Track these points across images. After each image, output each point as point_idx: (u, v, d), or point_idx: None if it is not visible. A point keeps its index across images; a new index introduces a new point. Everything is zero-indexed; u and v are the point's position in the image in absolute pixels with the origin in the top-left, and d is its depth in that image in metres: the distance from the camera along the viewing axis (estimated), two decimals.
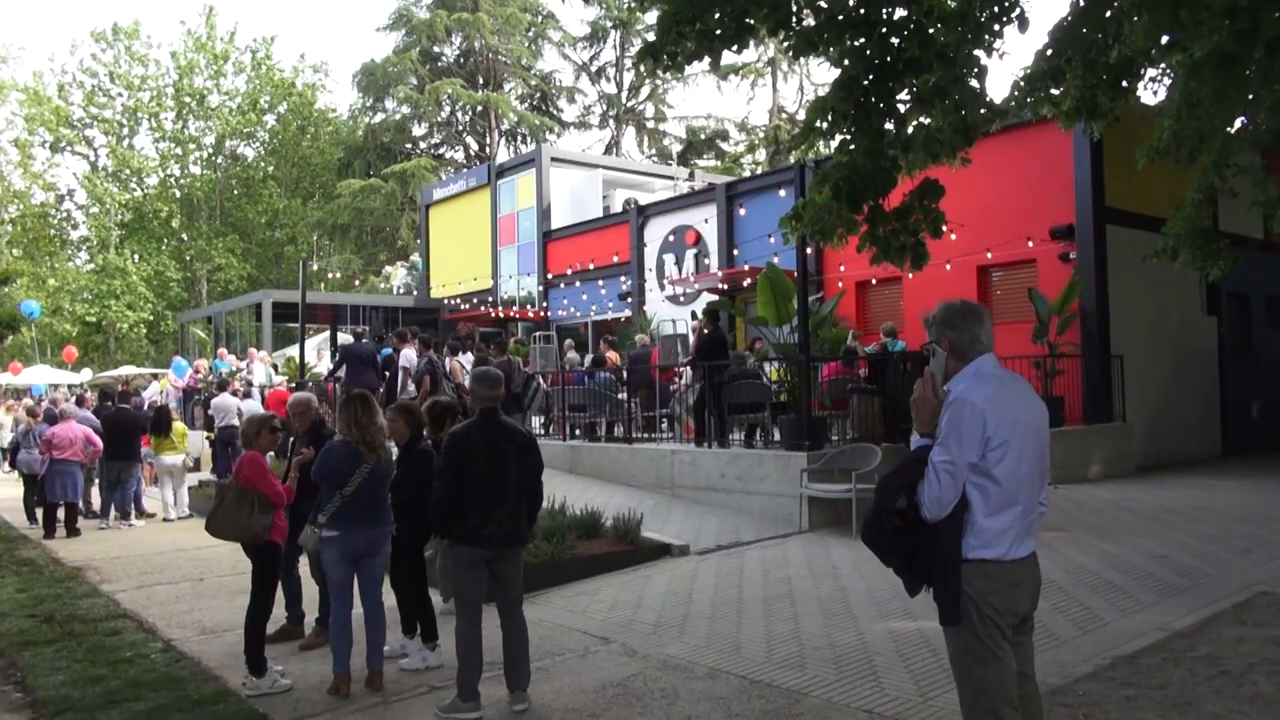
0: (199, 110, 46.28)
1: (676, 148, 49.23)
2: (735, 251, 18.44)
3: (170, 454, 13.24)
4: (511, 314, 24.65)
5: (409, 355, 12.99)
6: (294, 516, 6.00)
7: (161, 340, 46.39)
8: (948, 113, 6.80)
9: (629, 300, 22.44)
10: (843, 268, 17.36)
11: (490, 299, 26.19)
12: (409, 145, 47.31)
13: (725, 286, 18.53)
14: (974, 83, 6.69)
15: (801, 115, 44.87)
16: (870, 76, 6.31)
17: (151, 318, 41.36)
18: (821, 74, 60.33)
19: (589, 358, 15.74)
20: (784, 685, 5.29)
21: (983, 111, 6.91)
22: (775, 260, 15.46)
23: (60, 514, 12.05)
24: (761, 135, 45.37)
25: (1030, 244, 14.69)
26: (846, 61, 6.42)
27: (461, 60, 47.79)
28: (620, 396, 13.40)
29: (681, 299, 20.79)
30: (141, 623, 7.35)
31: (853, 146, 6.90)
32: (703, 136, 48.76)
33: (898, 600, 6.91)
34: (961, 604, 2.97)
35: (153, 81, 45.78)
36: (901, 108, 6.69)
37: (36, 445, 12.39)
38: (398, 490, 5.72)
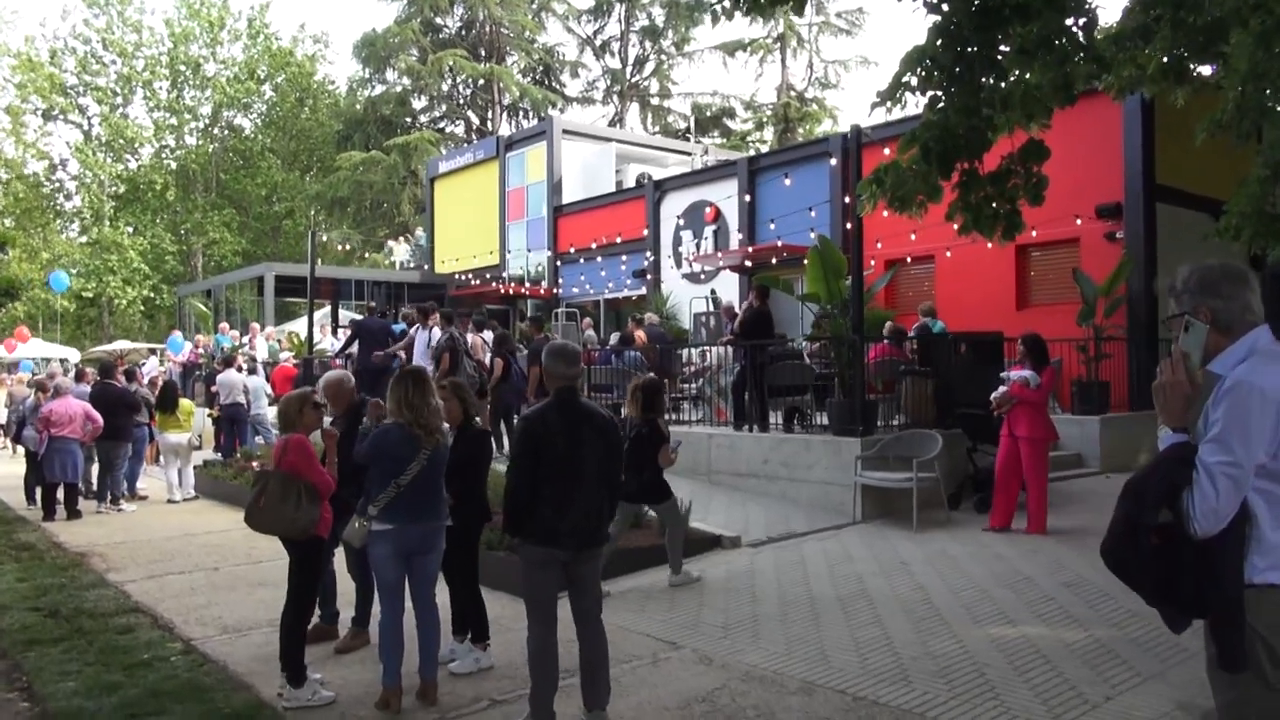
0: (194, 79, 45.23)
1: (681, 125, 48.36)
2: (771, 225, 17.68)
3: (175, 432, 12.59)
4: (522, 290, 23.96)
5: (436, 333, 12.31)
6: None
7: (155, 315, 45.55)
8: (1049, 67, 6.16)
9: (644, 277, 21.78)
10: (879, 244, 16.67)
11: (498, 275, 25.48)
12: (409, 119, 46.41)
13: (750, 264, 17.87)
14: (1080, 33, 6.04)
15: (811, 93, 44.26)
16: (973, 23, 5.67)
17: (150, 293, 40.45)
18: (832, 49, 59.42)
19: (613, 336, 15.07)
20: (892, 703, 4.70)
21: (1086, 66, 6.25)
22: (812, 235, 14.86)
23: (60, 495, 11.40)
24: (770, 113, 44.52)
25: (1078, 222, 14.05)
26: (945, 6, 5.77)
27: (464, 32, 46.77)
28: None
29: (702, 276, 20.13)
30: (156, 618, 6.72)
31: (942, 104, 6.26)
32: (709, 114, 47.93)
33: (987, 602, 6.34)
34: (1248, 642, 2.35)
35: (147, 49, 44.68)
36: (1002, 60, 6.03)
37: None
38: (453, 478, 5.10)
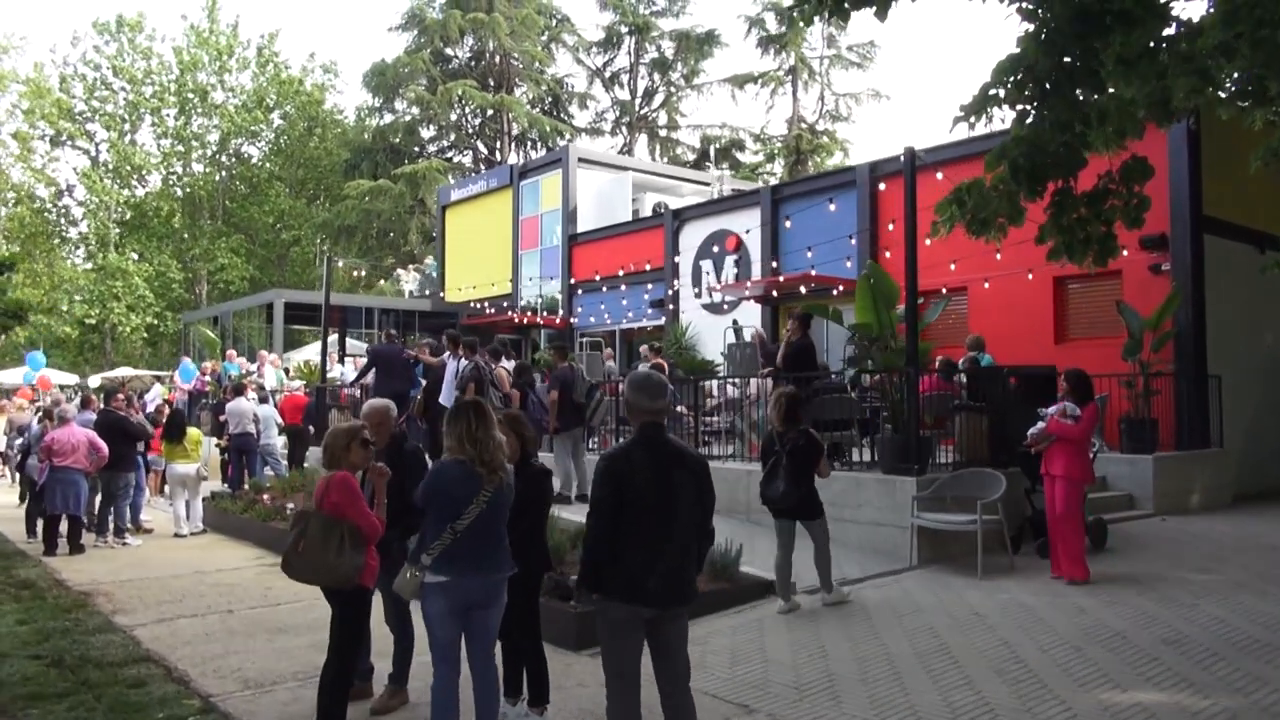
0: (202, 107, 45.09)
1: (690, 156, 48.20)
2: (807, 253, 17.17)
3: (183, 462, 12.05)
4: (536, 320, 23.48)
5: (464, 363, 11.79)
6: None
7: (159, 342, 45.07)
8: (1147, 80, 5.71)
9: (663, 307, 21.29)
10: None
11: (511, 304, 25.01)
12: (416, 148, 46.27)
13: (777, 294, 17.41)
14: (1183, 45, 5.60)
15: (822, 125, 44.10)
16: (1072, 31, 5.23)
17: (154, 320, 39.98)
18: (844, 81, 59.53)
19: (641, 365, 14.56)
20: None
21: (1188, 80, 5.80)
22: (848, 264, 14.35)
23: (63, 528, 10.83)
24: (780, 145, 44.34)
25: (1124, 253, 13.55)
26: (1043, 13, 5.34)
27: (473, 63, 46.75)
28: (680, 409, 12.25)
29: (725, 307, 19.64)
30: (170, 669, 6.15)
31: (1031, 118, 5.80)
32: (718, 145, 47.78)
33: (1082, 661, 5.77)
34: None
35: (156, 76, 44.56)
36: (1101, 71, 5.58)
37: None
38: (516, 522, 4.56)
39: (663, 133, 50.11)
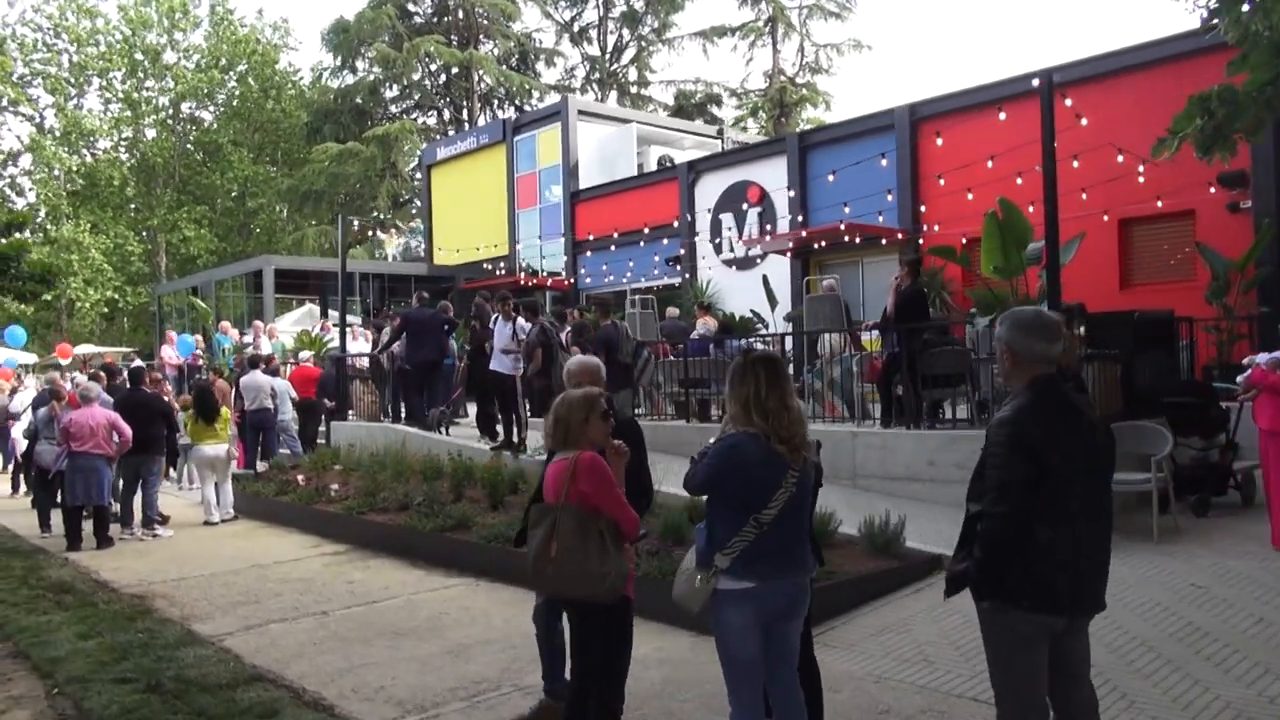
0: (153, 69, 42.69)
1: (663, 113, 46.94)
2: (845, 208, 16.27)
3: (212, 443, 10.89)
4: (545, 281, 22.38)
5: (522, 324, 10.75)
6: None
7: (116, 318, 43.01)
8: None
9: (678, 265, 20.34)
10: (935, 226, 15.48)
11: (510, 265, 23.84)
12: (379, 110, 44.44)
13: (821, 245, 16.54)
14: None
15: (803, 78, 43.06)
16: None
17: (114, 295, 37.94)
18: (823, 33, 58.44)
19: (701, 325, 13.60)
20: None
21: None
22: (880, 218, 13.39)
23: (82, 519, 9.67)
24: (760, 99, 43.24)
25: (1191, 193, 12.87)
26: None
27: (436, 19, 44.87)
28: None
29: (759, 259, 18.69)
30: (296, 691, 5.14)
31: None
32: (693, 101, 46.57)
33: None
34: None
35: (103, 36, 42.04)
36: None
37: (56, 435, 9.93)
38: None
39: (633, 89, 48.75)
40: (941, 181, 14.27)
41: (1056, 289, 8.01)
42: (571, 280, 22.38)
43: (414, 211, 44.66)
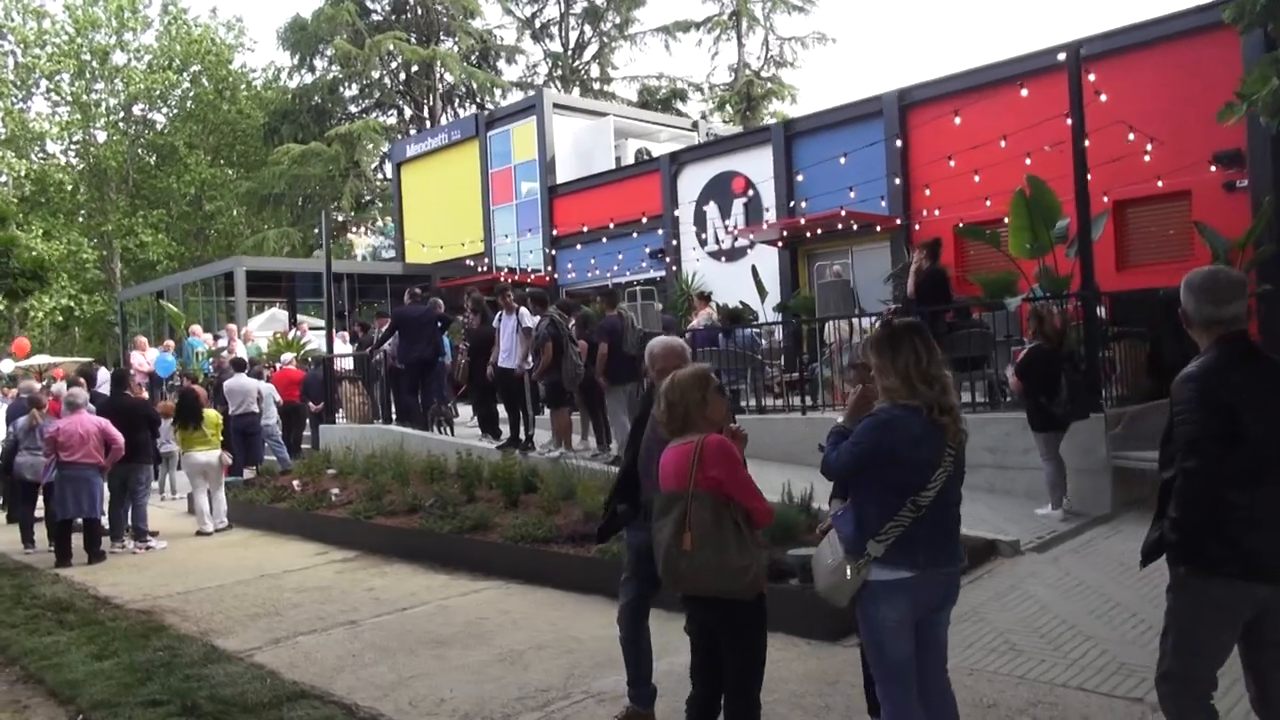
0: (101, 70, 41.45)
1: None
2: (847, 191, 16.00)
3: (203, 449, 10.40)
4: (526, 278, 21.90)
5: (525, 314, 10.39)
6: None
7: (69, 327, 41.69)
8: None
9: (662, 258, 20.04)
10: (936, 211, 15.34)
11: (486, 263, 23.33)
12: (338, 109, 43.62)
13: (815, 234, 16.31)
14: None
15: (768, 72, 43.00)
16: None
17: (69, 303, 36.74)
18: (787, 26, 58.34)
19: (701, 315, 13.29)
20: None
21: None
22: (884, 203, 13.09)
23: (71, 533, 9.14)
24: (726, 93, 43.07)
25: (1189, 173, 12.82)
26: None
27: (395, 16, 44.11)
28: (762, 359, 11.11)
29: (748, 249, 18.40)
30: (349, 707, 4.76)
31: None
32: (658, 97, 46.31)
33: None
34: None
35: (49, 38, 40.73)
36: None
37: (41, 444, 9.37)
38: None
39: (596, 85, 48.40)
40: (952, 163, 14.00)
41: (1090, 267, 7.83)
42: (553, 276, 21.96)
43: (378, 212, 43.93)
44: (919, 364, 3.04)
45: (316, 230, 43.55)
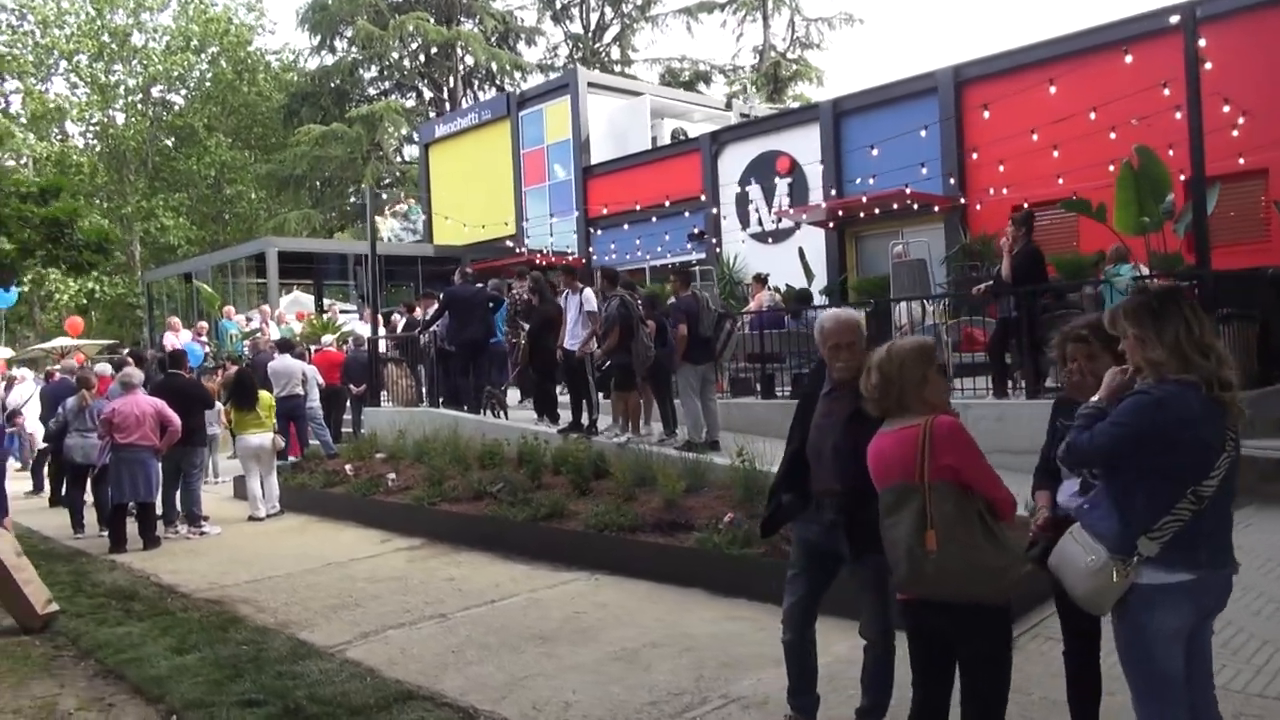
0: (121, 51, 41.09)
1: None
2: (900, 172, 15.50)
3: (257, 432, 10.06)
4: (564, 260, 21.50)
5: (589, 295, 10.01)
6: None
7: (90, 310, 41.47)
8: None
9: (701, 240, 19.60)
10: (1005, 190, 14.76)
11: (515, 244, 22.93)
12: (357, 91, 43.19)
13: (866, 214, 15.85)
14: None
15: (794, 54, 42.36)
16: None
17: (94, 285, 36.50)
18: (814, 6, 57.53)
19: (762, 296, 12.87)
20: None
21: None
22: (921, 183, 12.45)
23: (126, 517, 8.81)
24: (752, 75, 42.48)
25: (1268, 151, 12.32)
26: None
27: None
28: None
29: (795, 229, 17.96)
30: (469, 712, 4.38)
31: None
32: (681, 80, 45.72)
33: None
34: None
35: (70, 18, 40.37)
36: None
37: (93, 426, 9.02)
38: None
39: (617, 68, 47.86)
40: (1037, 136, 13.42)
41: (1205, 245, 7.39)
42: (592, 255, 21.49)
43: (400, 194, 43.54)
44: (1190, 333, 2.64)
45: (335, 213, 43.38)
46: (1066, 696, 3.43)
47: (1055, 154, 12.46)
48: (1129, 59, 11.16)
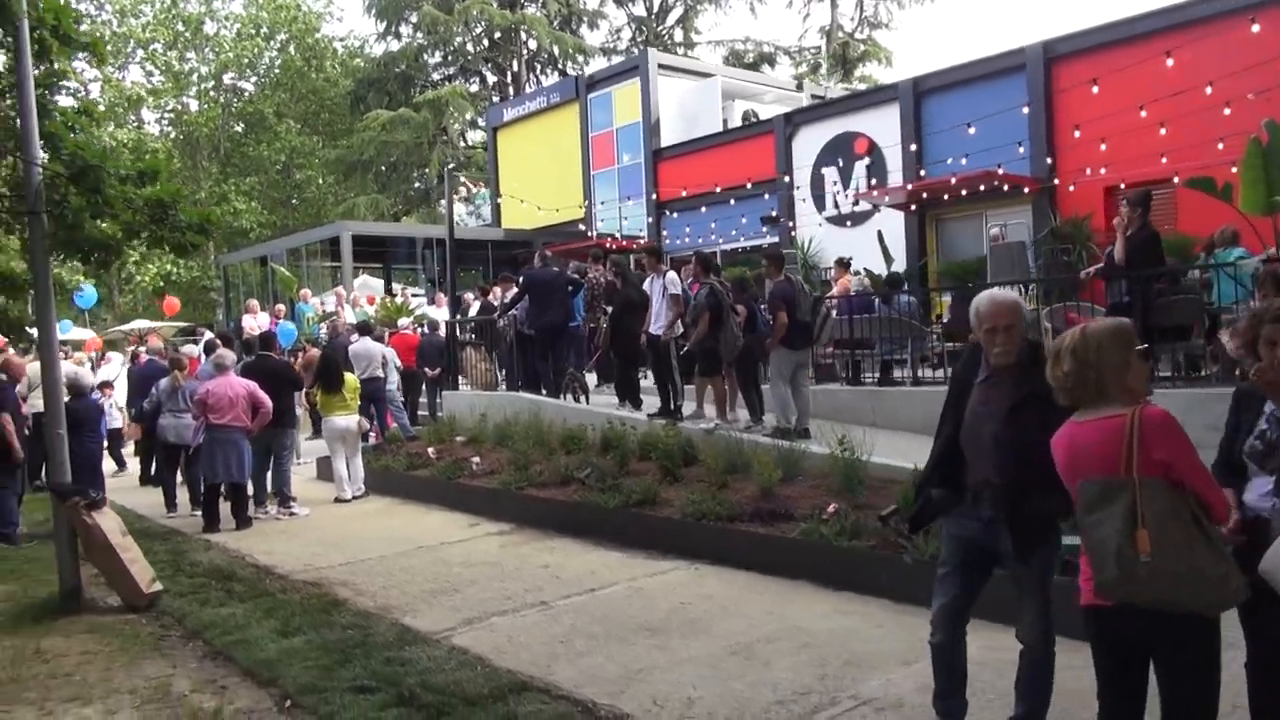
0: (194, 39, 41.88)
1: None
2: (966, 157, 15.09)
3: (342, 413, 10.08)
4: (635, 243, 21.35)
5: (673, 279, 9.83)
6: None
7: (165, 293, 42.44)
8: None
9: (775, 223, 19.27)
10: (1102, 169, 14.11)
11: (587, 228, 22.80)
12: (422, 76, 43.42)
13: (950, 196, 15.41)
14: None
15: (861, 34, 41.51)
16: None
17: (171, 268, 37.37)
18: None
19: (857, 284, 12.58)
20: None
21: None
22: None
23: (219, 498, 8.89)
24: (818, 56, 41.76)
25: None
26: None
27: None
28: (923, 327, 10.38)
29: (874, 211, 17.56)
30: (589, 707, 4.24)
31: None
32: (746, 62, 45.15)
33: None
34: None
35: (147, 8, 41.25)
36: None
37: (186, 406, 9.12)
38: None
39: (679, 51, 47.43)
40: (1144, 113, 12.71)
41: None
42: (664, 238, 21.29)
43: (463, 179, 43.74)
44: None
45: (400, 198, 43.75)
46: (1250, 708, 3.17)
47: (1162, 131, 11.89)
48: (1256, 28, 10.55)
